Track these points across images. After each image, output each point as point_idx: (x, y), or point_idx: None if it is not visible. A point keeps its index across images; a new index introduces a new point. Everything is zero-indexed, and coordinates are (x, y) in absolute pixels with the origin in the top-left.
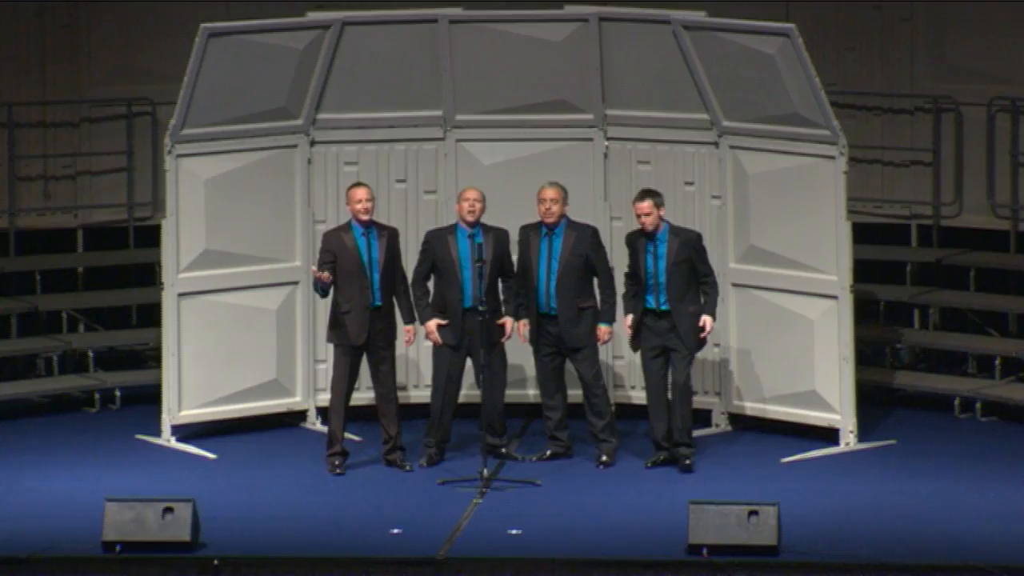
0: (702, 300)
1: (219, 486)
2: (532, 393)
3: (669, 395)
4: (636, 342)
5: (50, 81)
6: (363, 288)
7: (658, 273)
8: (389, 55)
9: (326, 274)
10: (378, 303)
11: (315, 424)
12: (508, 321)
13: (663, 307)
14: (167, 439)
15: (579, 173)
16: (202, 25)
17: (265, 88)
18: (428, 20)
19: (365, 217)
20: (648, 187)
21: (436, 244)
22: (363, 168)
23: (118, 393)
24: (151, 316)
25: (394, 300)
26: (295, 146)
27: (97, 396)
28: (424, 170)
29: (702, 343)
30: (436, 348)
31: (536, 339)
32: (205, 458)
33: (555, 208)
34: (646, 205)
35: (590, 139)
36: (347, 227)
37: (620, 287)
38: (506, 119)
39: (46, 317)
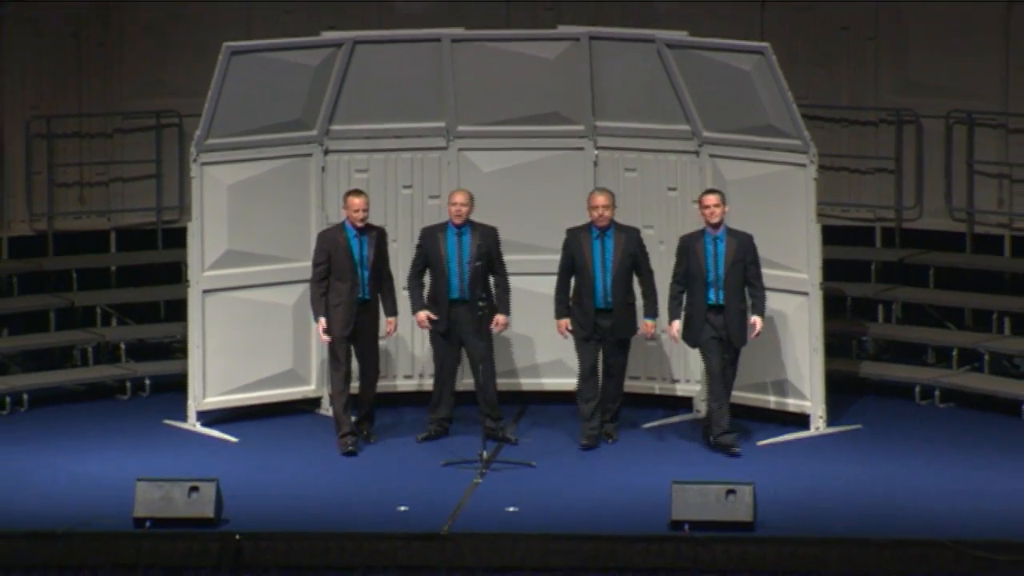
0: (749, 301)
1: (240, 467)
2: (526, 382)
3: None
4: (690, 335)
5: (85, 95)
6: (354, 284)
7: (718, 268)
8: (396, 71)
9: (327, 340)
10: (367, 297)
11: (328, 410)
12: (500, 318)
13: (720, 302)
14: (192, 424)
15: (571, 180)
16: (225, 44)
17: (282, 101)
18: (432, 39)
19: (360, 225)
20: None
21: (428, 241)
22: (372, 175)
23: (148, 382)
24: (178, 311)
25: (379, 295)
26: (310, 155)
27: (128, 384)
28: (428, 177)
29: (745, 340)
30: (432, 337)
31: (588, 332)
32: (227, 441)
33: (607, 213)
34: (715, 198)
35: (581, 148)
36: (340, 227)
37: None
38: (504, 130)
39: (82, 312)
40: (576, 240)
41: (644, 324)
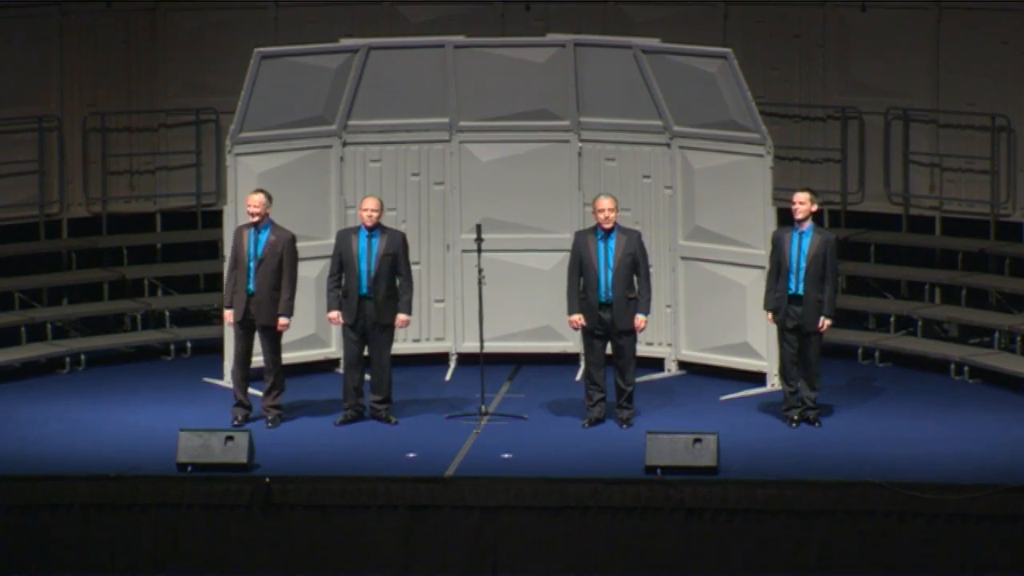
0: (824, 296)
1: None
2: (518, 344)
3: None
4: (778, 319)
5: (134, 95)
6: (245, 276)
7: (800, 259)
8: (406, 73)
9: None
10: (251, 290)
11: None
12: (402, 317)
13: (799, 292)
14: (228, 381)
15: (558, 168)
16: (256, 49)
17: (306, 100)
18: (437, 45)
19: (254, 220)
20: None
21: (341, 241)
22: (384, 164)
23: (189, 344)
24: (215, 282)
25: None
26: (330, 146)
27: (172, 347)
28: (434, 166)
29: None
30: (343, 329)
31: (593, 324)
32: (259, 397)
33: (611, 216)
34: (806, 196)
35: (567, 141)
36: (246, 226)
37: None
38: (500, 124)
39: (131, 283)
40: (583, 240)
41: (636, 319)
